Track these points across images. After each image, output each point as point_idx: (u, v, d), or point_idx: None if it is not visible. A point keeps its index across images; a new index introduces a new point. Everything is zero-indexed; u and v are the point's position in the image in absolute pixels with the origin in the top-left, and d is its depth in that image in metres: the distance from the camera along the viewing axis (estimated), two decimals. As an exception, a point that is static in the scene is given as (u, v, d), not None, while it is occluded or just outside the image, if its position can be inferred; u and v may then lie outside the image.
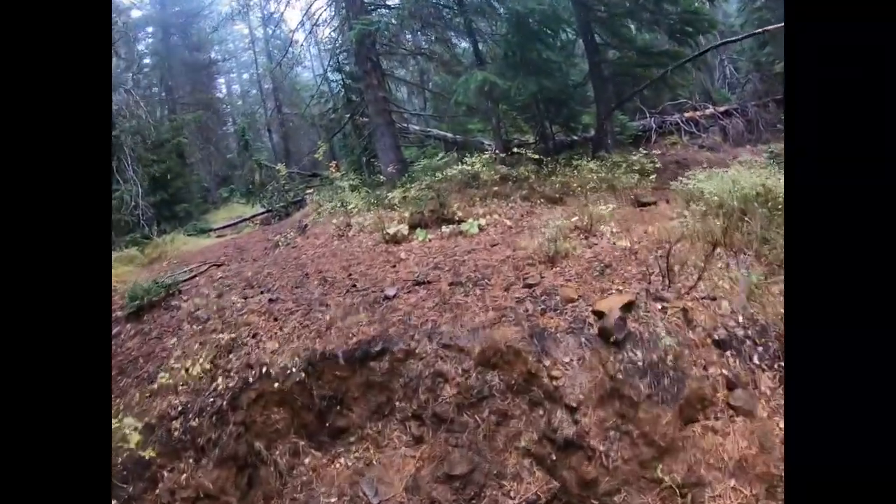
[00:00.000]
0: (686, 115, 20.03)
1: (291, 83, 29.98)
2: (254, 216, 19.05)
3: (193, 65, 27.50)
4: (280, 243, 11.29)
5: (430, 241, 8.40)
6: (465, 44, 16.61)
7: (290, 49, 18.05)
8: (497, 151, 12.48)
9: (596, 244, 6.82)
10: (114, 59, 18.07)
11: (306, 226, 12.14)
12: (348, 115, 16.81)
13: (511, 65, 12.88)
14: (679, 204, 8.26)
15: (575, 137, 16.91)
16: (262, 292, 7.51)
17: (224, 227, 19.62)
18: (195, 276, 10.19)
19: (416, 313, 5.57)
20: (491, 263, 6.62)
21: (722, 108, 20.18)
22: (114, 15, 23.05)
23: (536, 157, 11.76)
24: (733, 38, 17.00)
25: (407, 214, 9.13)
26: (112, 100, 16.49)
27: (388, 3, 16.55)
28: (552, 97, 14.06)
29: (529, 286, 5.57)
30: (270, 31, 23.30)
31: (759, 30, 14.94)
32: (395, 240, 8.61)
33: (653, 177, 10.11)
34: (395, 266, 7.34)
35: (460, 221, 8.77)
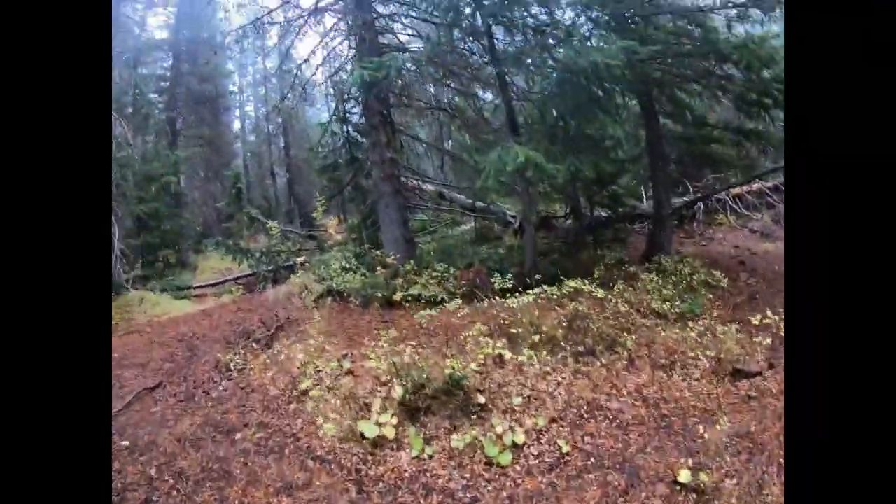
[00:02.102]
0: (733, 191, 16.26)
1: (303, 124, 26.29)
2: (239, 277, 15.41)
3: (200, 96, 23.76)
4: (232, 367, 7.83)
5: (428, 459, 4.67)
6: (490, 95, 12.79)
7: (295, 83, 14.35)
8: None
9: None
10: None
11: (268, 342, 8.59)
12: (350, 176, 13.10)
13: (555, 136, 9.22)
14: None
15: (612, 215, 13.15)
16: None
17: (205, 287, 15.99)
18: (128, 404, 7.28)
19: None
20: None
21: (769, 184, 16.41)
22: (123, 35, 19.70)
23: (598, 293, 7.78)
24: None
25: (399, 391, 5.37)
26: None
27: (407, 45, 12.95)
28: (602, 177, 10.38)
29: None
30: (281, 65, 19.45)
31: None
32: (373, 442, 4.90)
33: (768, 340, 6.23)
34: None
35: (481, 413, 5.06)
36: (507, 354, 6.03)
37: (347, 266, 11.05)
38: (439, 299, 9.24)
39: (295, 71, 14.55)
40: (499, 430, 4.74)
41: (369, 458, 4.81)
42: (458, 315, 7.70)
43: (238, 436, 5.72)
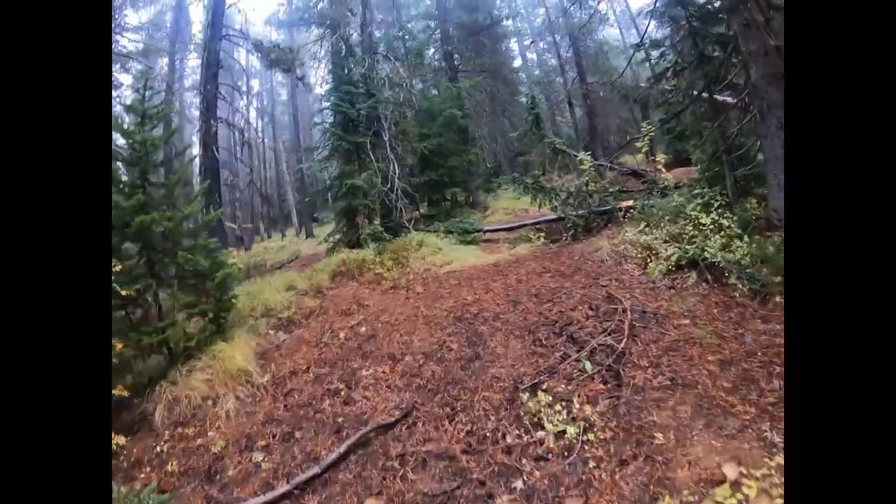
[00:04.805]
0: None
1: (597, 44, 21.94)
2: (539, 222, 12.14)
3: (472, 27, 21.33)
4: (544, 422, 4.39)
5: None
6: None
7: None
8: None
9: None
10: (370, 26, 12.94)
11: (614, 360, 4.94)
12: (703, 84, 8.54)
13: None
14: None
15: None
16: None
17: (497, 231, 13.02)
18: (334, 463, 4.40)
19: None
20: None
21: None
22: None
23: None
24: None
25: None
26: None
27: None
28: None
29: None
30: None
31: None
32: None
33: None
34: None
35: None
36: None
37: (718, 221, 6.95)
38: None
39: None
40: None
41: None
42: None
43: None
